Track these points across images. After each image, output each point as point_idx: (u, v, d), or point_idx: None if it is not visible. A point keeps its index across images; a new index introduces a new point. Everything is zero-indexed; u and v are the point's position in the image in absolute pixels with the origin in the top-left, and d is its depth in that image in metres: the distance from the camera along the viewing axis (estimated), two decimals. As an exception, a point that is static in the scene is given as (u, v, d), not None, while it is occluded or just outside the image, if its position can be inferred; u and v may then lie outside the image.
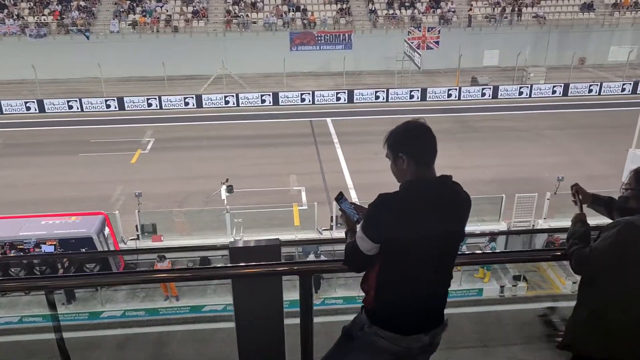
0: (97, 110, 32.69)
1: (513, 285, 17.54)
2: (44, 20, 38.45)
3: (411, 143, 2.90)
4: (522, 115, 31.88)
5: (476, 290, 16.92)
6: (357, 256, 2.97)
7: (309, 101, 33.99)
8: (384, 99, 34.23)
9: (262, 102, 33.72)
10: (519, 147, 26.83)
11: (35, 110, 32.55)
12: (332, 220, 18.79)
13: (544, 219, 18.87)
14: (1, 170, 24.77)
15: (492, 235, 17.95)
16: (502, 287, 17.47)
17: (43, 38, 37.30)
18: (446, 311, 3.15)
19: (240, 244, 3.63)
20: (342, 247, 3.14)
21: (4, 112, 32.27)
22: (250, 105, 33.55)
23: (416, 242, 2.86)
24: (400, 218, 2.83)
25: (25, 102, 32.60)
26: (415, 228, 2.83)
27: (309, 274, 3.51)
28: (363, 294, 3.14)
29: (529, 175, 23.52)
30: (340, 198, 3.22)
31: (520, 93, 34.54)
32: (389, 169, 3.00)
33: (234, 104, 33.54)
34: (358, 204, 3.26)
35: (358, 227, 2.99)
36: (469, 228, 3.10)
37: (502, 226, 18.58)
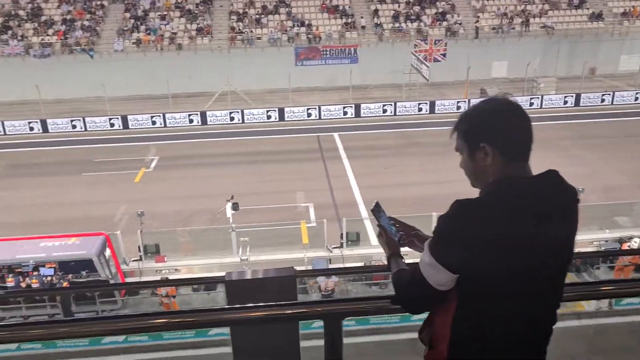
0: (100, 129, 32.24)
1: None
2: (48, 40, 38.19)
3: (498, 128, 2.09)
4: (534, 127, 30.76)
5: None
6: (422, 292, 2.05)
7: (316, 116, 33.43)
8: (391, 112, 33.63)
9: (267, 118, 33.20)
10: (532, 158, 26.08)
11: (39, 130, 32.09)
12: (342, 238, 18.15)
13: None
14: (3, 191, 24.24)
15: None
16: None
17: (47, 58, 37.02)
18: None
19: (240, 276, 2.69)
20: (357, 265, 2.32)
21: (7, 133, 31.85)
22: (255, 121, 33.03)
23: (513, 268, 1.96)
24: (489, 235, 1.92)
25: (29, 123, 32.17)
26: (511, 249, 1.94)
27: (338, 318, 2.38)
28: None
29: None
30: (378, 210, 2.43)
31: (531, 104, 33.79)
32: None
33: (239, 120, 33.01)
34: (399, 219, 2.44)
35: (425, 250, 2.07)
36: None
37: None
